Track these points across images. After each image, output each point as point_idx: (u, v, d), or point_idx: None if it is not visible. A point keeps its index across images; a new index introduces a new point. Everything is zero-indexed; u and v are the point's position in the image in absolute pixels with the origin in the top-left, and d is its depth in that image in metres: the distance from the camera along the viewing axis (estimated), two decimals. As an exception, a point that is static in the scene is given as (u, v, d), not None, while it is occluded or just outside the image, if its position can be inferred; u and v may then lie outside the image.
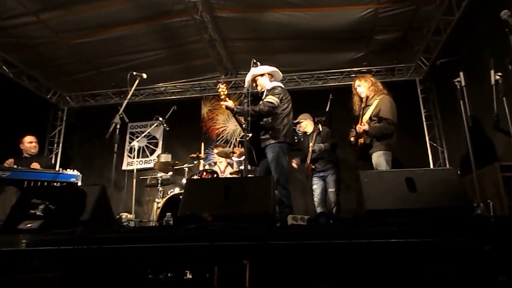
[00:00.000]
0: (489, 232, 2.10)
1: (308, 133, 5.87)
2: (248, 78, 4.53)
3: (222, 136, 8.15)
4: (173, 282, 2.42)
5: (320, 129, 5.61)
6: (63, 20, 6.15)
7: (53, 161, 8.21)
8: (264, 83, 4.46)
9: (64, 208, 2.66)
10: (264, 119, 4.20)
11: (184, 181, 5.88)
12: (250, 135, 4.17)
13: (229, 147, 7.43)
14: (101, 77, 8.04)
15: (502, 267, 2.02)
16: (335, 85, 7.91)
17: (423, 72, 7.54)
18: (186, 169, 6.14)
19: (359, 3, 5.86)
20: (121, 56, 7.24)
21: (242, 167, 5.76)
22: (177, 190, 5.79)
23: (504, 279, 1.98)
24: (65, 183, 4.82)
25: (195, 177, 5.80)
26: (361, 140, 4.43)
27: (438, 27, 6.24)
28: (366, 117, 4.43)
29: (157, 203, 5.94)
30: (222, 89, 4.37)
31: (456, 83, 3.71)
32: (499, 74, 3.46)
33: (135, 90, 4.38)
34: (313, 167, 5.66)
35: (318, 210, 5.60)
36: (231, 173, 6.14)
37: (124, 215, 5.86)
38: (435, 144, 7.31)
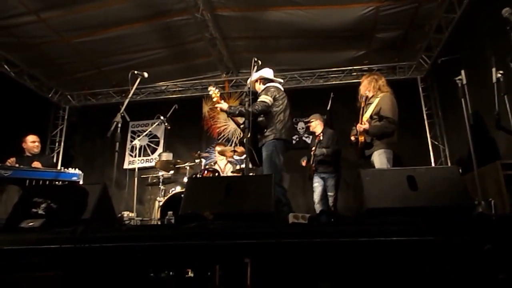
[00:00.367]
0: (490, 231, 2.10)
1: (316, 134, 5.92)
2: (248, 83, 4.57)
3: (224, 135, 8.15)
4: (175, 280, 2.43)
5: (321, 138, 5.75)
6: (64, 19, 6.15)
7: (54, 160, 8.22)
8: (260, 87, 4.53)
9: (66, 207, 2.66)
10: (259, 119, 4.23)
11: (185, 179, 5.89)
12: (249, 135, 4.18)
13: (231, 145, 7.44)
14: (102, 76, 8.06)
15: (503, 266, 2.01)
16: (337, 83, 7.91)
17: (424, 70, 7.53)
18: (188, 167, 6.15)
19: (360, 1, 5.86)
20: (122, 55, 7.25)
21: (243, 166, 5.76)
22: (178, 189, 5.80)
23: (505, 278, 1.98)
24: (66, 182, 4.83)
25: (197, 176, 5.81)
26: (362, 139, 4.41)
27: (440, 25, 6.23)
28: (367, 115, 4.41)
29: (159, 201, 5.96)
30: (214, 91, 4.49)
31: (458, 81, 3.70)
32: (501, 72, 3.44)
33: (136, 89, 4.38)
34: (314, 169, 5.73)
35: (317, 207, 5.64)
36: (232, 172, 6.15)
37: (125, 213, 5.88)
38: (436, 142, 7.30)
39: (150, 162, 8.15)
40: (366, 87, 4.53)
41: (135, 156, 7.86)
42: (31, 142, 5.59)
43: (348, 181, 6.68)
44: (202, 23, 6.40)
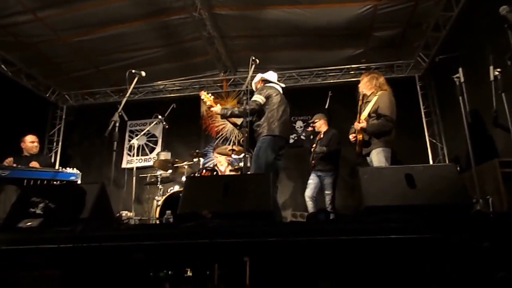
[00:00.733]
0: (488, 228, 2.11)
1: (321, 133, 6.00)
2: (247, 82, 4.58)
3: (222, 134, 8.14)
4: (174, 279, 2.42)
5: (322, 136, 5.84)
6: (61, 18, 6.13)
7: (52, 160, 8.22)
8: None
9: (64, 206, 2.66)
10: (254, 119, 4.28)
11: (183, 179, 5.89)
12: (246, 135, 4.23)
13: (229, 144, 7.43)
14: (100, 75, 8.04)
15: (501, 263, 2.02)
16: (334, 82, 7.91)
17: (422, 68, 7.54)
18: (186, 167, 6.14)
19: (358, 0, 5.85)
20: (120, 54, 7.23)
21: (242, 165, 5.77)
22: (176, 188, 5.80)
23: (504, 275, 1.99)
24: (64, 182, 4.82)
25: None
26: (360, 137, 4.42)
27: (437, 23, 6.23)
28: (364, 114, 4.42)
29: (157, 201, 5.95)
30: (206, 96, 4.58)
31: (455, 79, 3.72)
32: (498, 70, 3.45)
33: (134, 88, 4.38)
34: (313, 165, 5.80)
35: (309, 204, 5.68)
36: (230, 171, 6.15)
37: (124, 213, 5.87)
38: (434, 141, 7.31)
39: (148, 161, 8.14)
40: (366, 85, 4.53)
41: (133, 156, 7.83)
42: (30, 142, 5.58)
43: (346, 180, 6.69)
44: (200, 22, 6.39)
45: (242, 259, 2.17)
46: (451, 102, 6.08)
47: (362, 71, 7.74)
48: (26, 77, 7.63)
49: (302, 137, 7.70)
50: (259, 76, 4.64)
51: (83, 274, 2.28)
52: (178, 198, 2.83)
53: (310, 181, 5.84)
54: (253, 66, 4.40)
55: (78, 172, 5.06)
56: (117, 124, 3.80)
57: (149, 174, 6.91)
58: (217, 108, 4.45)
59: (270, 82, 4.55)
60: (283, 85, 4.69)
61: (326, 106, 7.21)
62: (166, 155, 6.47)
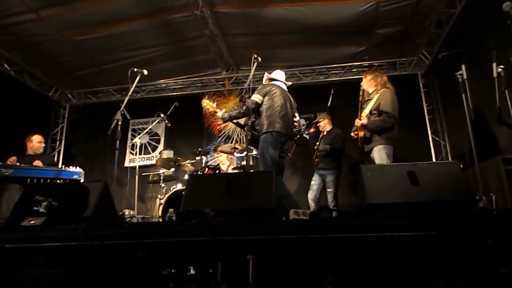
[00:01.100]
0: (492, 225, 2.10)
1: (325, 132, 6.04)
2: (249, 81, 4.63)
3: (224, 132, 8.15)
4: (177, 277, 2.43)
5: (325, 133, 5.91)
6: (63, 18, 6.14)
7: (55, 159, 8.24)
8: None
9: (67, 205, 2.67)
10: (255, 119, 4.29)
11: (186, 177, 5.90)
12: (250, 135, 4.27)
13: (231, 143, 7.44)
14: (102, 74, 8.05)
15: (505, 260, 2.01)
16: (337, 79, 7.89)
17: (425, 65, 7.50)
18: (188, 165, 6.15)
19: (360, -3, 5.84)
20: (122, 52, 7.24)
21: (244, 163, 5.77)
22: (179, 186, 5.81)
23: (507, 272, 1.98)
24: (67, 180, 4.84)
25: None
26: (361, 134, 4.43)
27: (440, 20, 6.20)
28: (366, 111, 4.44)
29: (160, 199, 5.97)
30: (208, 103, 4.69)
31: (458, 76, 3.70)
32: (502, 66, 3.43)
33: (136, 86, 4.38)
34: (316, 163, 5.85)
35: (312, 206, 5.72)
36: (233, 169, 6.15)
37: (127, 211, 5.88)
38: (437, 138, 7.29)
39: (151, 160, 8.15)
40: (369, 83, 4.55)
41: (136, 154, 7.86)
42: (38, 142, 5.62)
43: (349, 177, 6.69)
44: (201, 20, 6.38)
45: (245, 257, 2.18)
46: (454, 99, 6.06)
47: (364, 68, 7.73)
48: (29, 76, 7.65)
49: (304, 135, 7.69)
50: (266, 75, 4.65)
51: (87, 272, 2.29)
52: (181, 197, 2.84)
53: (312, 183, 5.88)
54: (255, 64, 4.41)
55: (81, 170, 5.07)
56: (120, 123, 3.81)
57: (152, 173, 6.92)
58: (219, 113, 4.51)
59: (274, 79, 4.55)
60: (289, 83, 4.68)
61: (329, 104, 7.19)
62: (168, 154, 6.48)
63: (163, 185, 6.20)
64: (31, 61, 7.37)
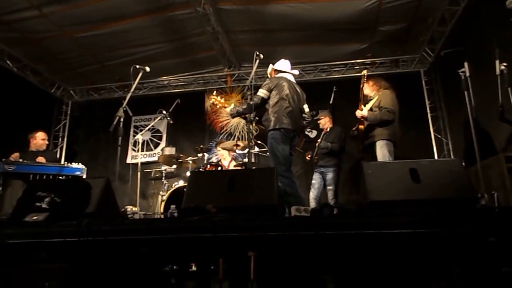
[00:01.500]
0: (494, 223, 2.10)
1: (325, 130, 6.04)
2: (251, 77, 4.58)
3: (226, 129, 8.15)
4: (179, 274, 2.44)
5: (328, 130, 5.92)
6: (66, 14, 6.14)
7: (58, 155, 8.27)
8: None
9: (70, 201, 2.68)
10: (262, 114, 4.23)
11: (188, 174, 5.91)
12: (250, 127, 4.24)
13: (233, 139, 7.44)
14: (105, 70, 8.06)
15: (506, 258, 2.01)
16: (339, 77, 7.86)
17: (427, 63, 7.47)
18: (190, 162, 6.16)
19: (362, -6, 5.82)
20: (125, 49, 7.24)
21: (246, 160, 5.78)
22: (181, 183, 5.82)
23: (509, 270, 1.98)
24: (70, 177, 4.85)
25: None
26: (362, 128, 4.50)
27: (443, 17, 6.17)
28: (367, 108, 4.52)
29: (162, 196, 5.98)
30: (216, 99, 4.68)
31: (461, 73, 3.69)
32: (504, 64, 3.43)
33: (138, 83, 4.39)
34: (316, 161, 5.86)
35: (312, 204, 5.71)
36: (235, 166, 6.16)
37: (129, 208, 5.89)
38: (439, 136, 7.27)
39: (153, 156, 8.16)
40: (372, 88, 4.73)
41: (138, 151, 7.86)
42: (41, 139, 5.63)
43: (350, 174, 6.68)
44: (204, 17, 6.37)
45: (246, 254, 2.18)
46: (456, 97, 6.03)
47: (367, 66, 7.70)
48: (32, 73, 7.66)
49: (306, 132, 7.69)
50: (270, 66, 4.57)
51: (89, 267, 2.31)
52: (183, 193, 2.84)
53: (313, 182, 5.90)
54: (257, 61, 4.39)
55: (84, 167, 5.09)
56: (122, 120, 3.82)
57: (154, 169, 6.94)
58: (228, 109, 4.48)
59: (281, 71, 4.46)
60: (297, 73, 4.58)
61: (331, 101, 7.20)
62: (170, 150, 6.49)
63: (165, 181, 6.21)
64: (34, 57, 7.38)
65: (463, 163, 3.23)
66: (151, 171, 7.00)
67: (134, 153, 8.25)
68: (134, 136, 8.17)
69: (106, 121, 4.60)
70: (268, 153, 4.24)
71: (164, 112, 6.37)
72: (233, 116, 4.44)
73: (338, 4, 6.02)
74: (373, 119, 4.38)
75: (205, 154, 6.43)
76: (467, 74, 3.64)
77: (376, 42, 7.15)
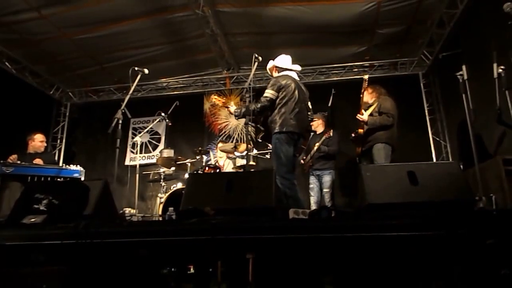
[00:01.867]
0: (492, 226, 2.10)
1: (317, 133, 5.97)
2: (249, 79, 4.50)
3: (225, 131, 8.15)
4: (177, 276, 2.44)
5: (331, 134, 5.82)
6: (65, 16, 6.14)
7: (56, 157, 8.26)
8: (275, 76, 4.39)
9: (67, 203, 2.67)
10: (268, 114, 4.12)
11: (186, 176, 5.90)
12: (249, 130, 4.21)
13: (232, 142, 7.45)
14: (103, 72, 8.06)
15: (505, 260, 2.01)
16: (338, 79, 7.88)
17: (426, 66, 7.50)
18: (189, 164, 6.15)
19: (361, -3, 5.83)
20: (123, 51, 7.24)
21: (244, 162, 5.77)
22: (180, 185, 5.81)
23: (507, 272, 1.98)
24: (68, 179, 4.84)
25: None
26: (361, 131, 4.54)
27: (442, 20, 6.20)
28: (367, 113, 4.58)
29: (160, 198, 5.97)
30: (217, 98, 4.65)
31: (459, 76, 3.70)
32: (502, 67, 3.44)
33: (137, 85, 4.38)
34: (311, 164, 5.87)
35: (314, 208, 5.71)
36: (233, 168, 6.16)
37: (127, 210, 5.88)
38: (438, 139, 7.28)
39: (152, 158, 8.15)
40: (371, 95, 4.78)
41: (137, 153, 7.86)
42: (40, 141, 5.62)
43: (344, 177, 6.68)
44: (203, 19, 6.38)
45: (244, 256, 2.18)
46: (455, 99, 6.05)
47: (365, 68, 7.73)
48: (31, 75, 7.66)
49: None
50: (271, 63, 4.44)
51: (87, 270, 2.30)
52: (181, 195, 2.84)
53: (311, 186, 5.89)
54: (256, 63, 4.39)
55: (82, 169, 5.08)
56: (120, 122, 3.81)
57: (152, 171, 6.92)
58: (232, 109, 4.38)
59: (284, 69, 4.36)
60: (299, 68, 4.48)
61: (329, 104, 7.19)
62: (169, 153, 6.47)
63: (163, 184, 6.20)
64: (33, 59, 7.37)
65: (461, 166, 3.24)
66: (150, 173, 6.99)
67: (132, 155, 8.24)
68: (132, 138, 8.15)
69: (104, 123, 4.59)
70: (267, 155, 4.22)
71: (163, 114, 6.36)
72: (238, 117, 4.34)
73: (336, 6, 6.04)
74: (373, 124, 4.44)
75: (203, 156, 6.42)
76: (465, 77, 3.65)
77: (374, 45, 7.17)
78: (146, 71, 4.18)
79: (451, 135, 7.05)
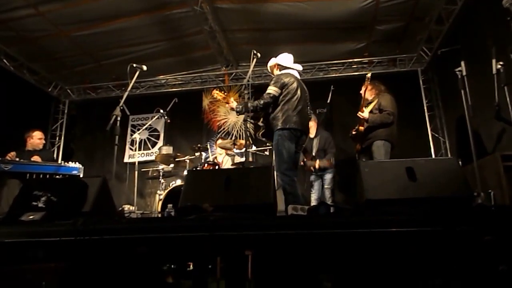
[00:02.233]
0: (490, 222, 2.10)
1: (310, 134, 5.97)
2: (248, 76, 4.47)
3: (224, 128, 8.15)
4: (176, 273, 2.44)
5: (318, 139, 5.92)
6: (62, 13, 6.12)
7: (55, 154, 8.24)
8: (276, 74, 4.36)
9: (66, 200, 2.67)
10: (270, 110, 4.10)
11: (185, 173, 5.90)
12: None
13: (231, 139, 7.44)
14: (101, 69, 8.04)
15: (503, 257, 2.02)
16: (336, 76, 7.87)
17: (425, 62, 7.49)
18: (188, 161, 6.15)
19: (360, -7, 5.83)
20: (122, 48, 7.23)
21: (243, 159, 5.78)
22: (178, 182, 5.82)
23: (505, 269, 1.99)
24: (67, 176, 4.83)
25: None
26: (361, 129, 4.54)
27: (440, 16, 6.19)
28: (367, 110, 4.58)
29: (159, 195, 5.98)
30: (219, 94, 4.54)
31: (458, 72, 3.71)
32: (501, 63, 3.44)
33: (135, 82, 4.38)
34: (312, 170, 5.93)
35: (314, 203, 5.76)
36: (232, 165, 6.16)
37: (126, 207, 5.90)
38: (436, 135, 7.28)
39: (150, 155, 8.15)
40: (371, 91, 4.75)
41: (135, 150, 7.86)
42: (38, 138, 5.61)
43: (347, 174, 6.69)
44: (201, 16, 6.36)
45: (243, 252, 2.18)
46: (453, 95, 6.05)
47: (364, 65, 7.72)
48: (29, 72, 7.63)
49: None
50: (273, 61, 4.42)
51: (86, 266, 2.30)
52: (180, 192, 2.84)
53: (313, 182, 6.01)
54: (255, 60, 4.38)
55: (81, 166, 5.06)
56: (119, 119, 3.80)
57: (151, 169, 6.93)
58: (233, 104, 4.31)
59: (286, 67, 4.34)
60: (300, 68, 4.47)
61: (328, 101, 7.20)
62: (168, 150, 6.48)
63: (162, 180, 6.20)
64: (30, 56, 7.35)
65: (460, 162, 3.24)
66: (149, 170, 7.00)
67: (131, 152, 8.23)
68: (131, 135, 8.15)
69: (103, 120, 4.59)
70: (265, 152, 4.21)
71: (162, 111, 6.36)
72: (239, 113, 4.28)
73: (335, 3, 6.03)
74: (374, 121, 4.43)
75: (202, 153, 6.43)
76: (464, 73, 3.66)
77: (373, 41, 7.16)
78: (145, 68, 4.18)
79: (450, 131, 7.05)
